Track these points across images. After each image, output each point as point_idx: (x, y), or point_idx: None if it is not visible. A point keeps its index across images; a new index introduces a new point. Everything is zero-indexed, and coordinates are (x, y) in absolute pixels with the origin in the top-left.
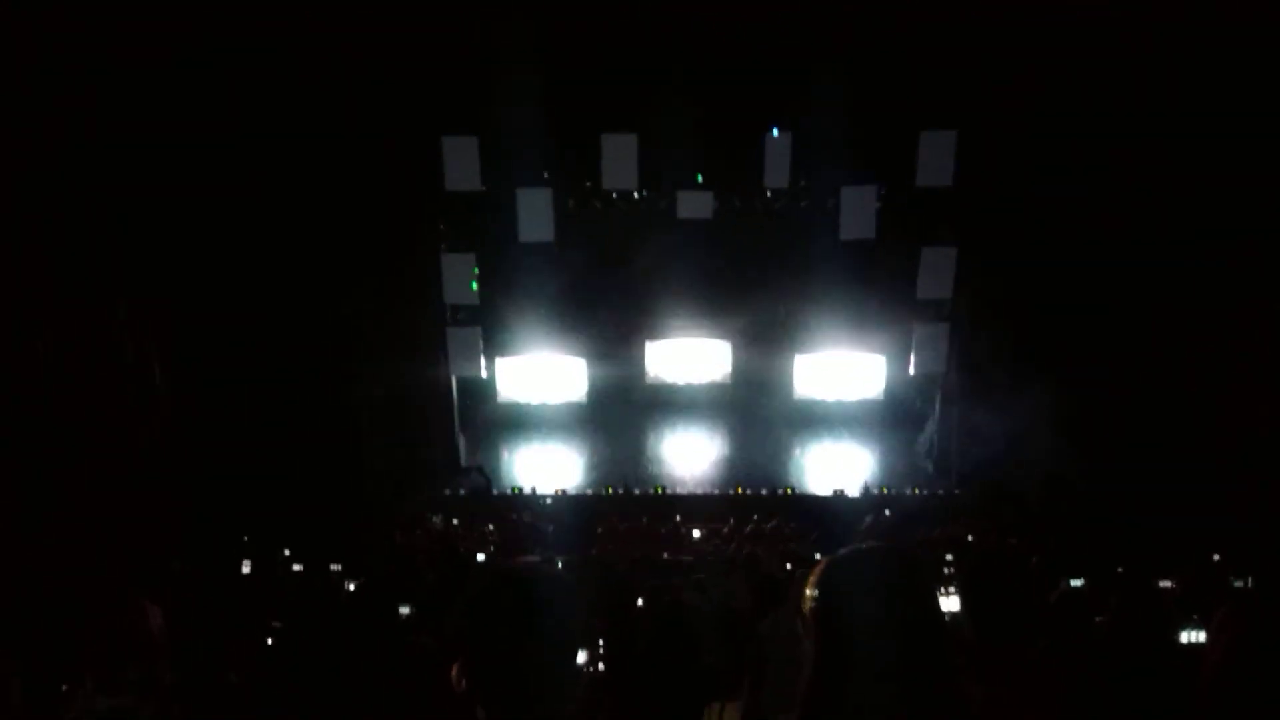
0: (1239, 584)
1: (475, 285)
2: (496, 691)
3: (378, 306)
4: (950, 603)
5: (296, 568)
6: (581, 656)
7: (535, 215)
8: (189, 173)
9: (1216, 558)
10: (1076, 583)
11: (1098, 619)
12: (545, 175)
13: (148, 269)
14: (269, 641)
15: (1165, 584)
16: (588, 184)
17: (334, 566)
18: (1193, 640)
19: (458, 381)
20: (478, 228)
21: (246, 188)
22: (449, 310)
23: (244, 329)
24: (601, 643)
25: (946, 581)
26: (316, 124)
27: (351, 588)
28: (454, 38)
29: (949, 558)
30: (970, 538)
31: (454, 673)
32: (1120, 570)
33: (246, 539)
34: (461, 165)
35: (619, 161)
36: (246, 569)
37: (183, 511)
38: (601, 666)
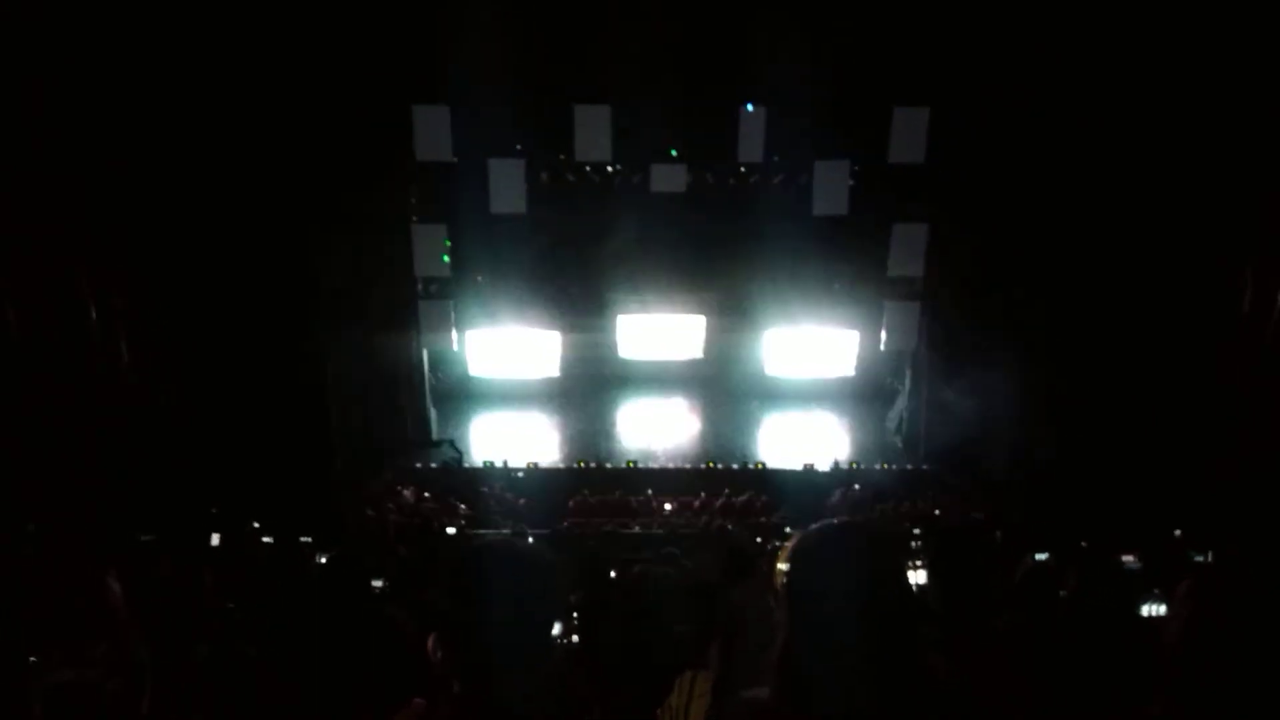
0: (1200, 559)
1: (447, 257)
2: (471, 663)
3: (348, 278)
4: (917, 576)
5: (267, 540)
6: (555, 628)
7: (507, 187)
8: (155, 142)
9: (1178, 533)
10: (1041, 557)
11: (1061, 593)
12: (518, 147)
13: (113, 241)
14: (239, 614)
15: (1127, 559)
16: (561, 156)
17: (304, 539)
18: (1154, 613)
19: (429, 354)
20: (449, 199)
21: (214, 157)
22: (420, 282)
23: (212, 300)
24: (574, 615)
25: (914, 556)
26: (285, 92)
27: (323, 560)
28: (426, 5)
29: (916, 532)
30: (937, 512)
31: (429, 645)
32: (1083, 545)
33: (215, 511)
34: (433, 135)
35: (592, 134)
36: (215, 541)
37: (151, 484)
38: (575, 638)
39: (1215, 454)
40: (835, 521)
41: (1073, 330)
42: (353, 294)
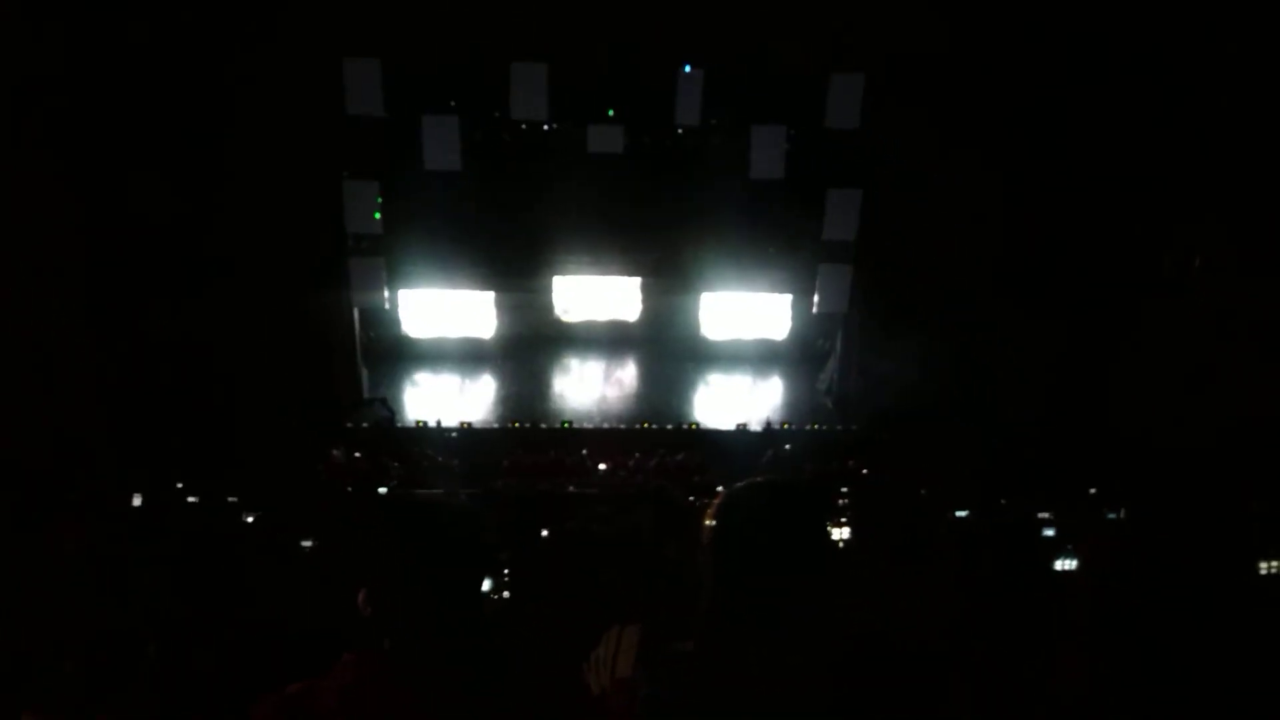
0: (1112, 515)
1: (378, 214)
2: (401, 619)
3: (276, 233)
4: (843, 533)
5: (192, 500)
6: (485, 585)
7: (442, 143)
8: (78, 89)
9: (1093, 491)
10: (962, 514)
11: (980, 549)
12: (452, 104)
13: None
14: (166, 576)
15: (1043, 515)
16: (496, 114)
17: (231, 499)
18: (1066, 568)
19: (360, 313)
20: (381, 155)
21: (139, 111)
22: (351, 239)
23: (136, 256)
24: (506, 572)
25: (840, 513)
26: (212, 40)
27: (250, 520)
28: None
29: (844, 490)
30: (864, 471)
31: (359, 601)
32: (1002, 503)
33: (139, 471)
34: (364, 89)
35: (529, 91)
36: (138, 501)
37: (74, 445)
38: (506, 595)
39: (1132, 413)
40: (759, 479)
41: (1000, 293)
42: (282, 251)
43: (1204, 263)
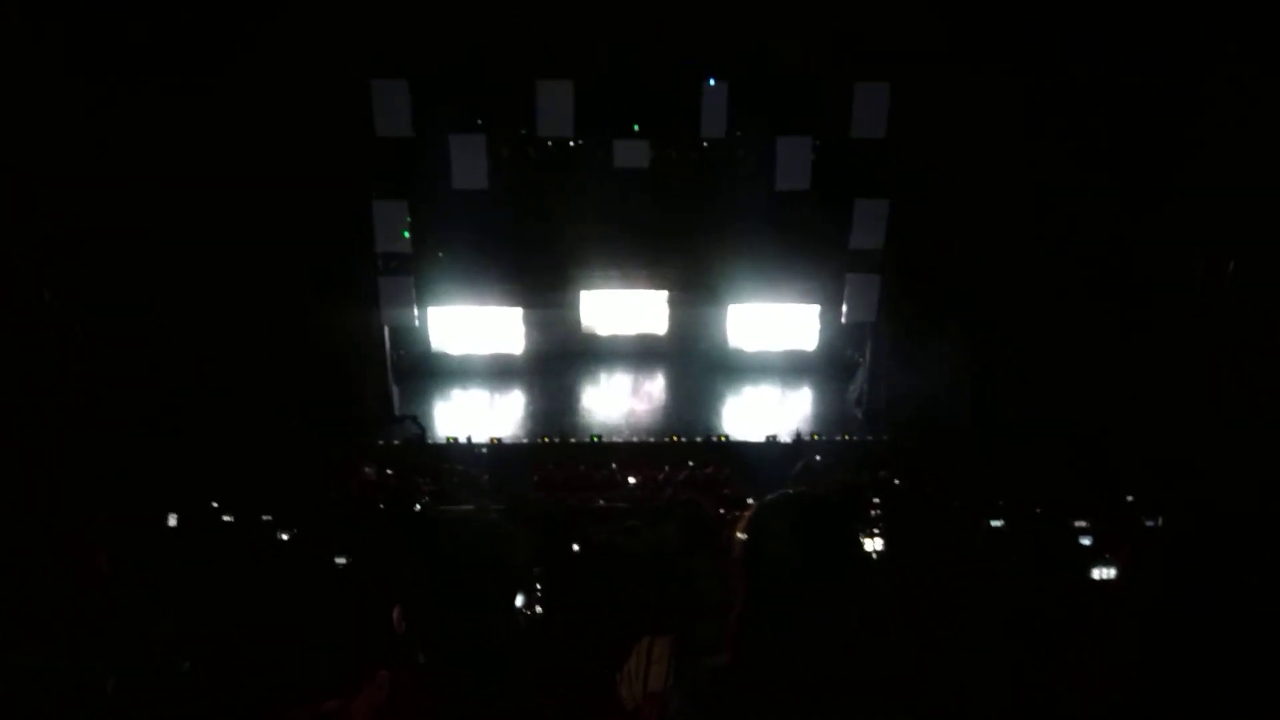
0: (1150, 523)
1: (407, 233)
2: (435, 635)
3: (308, 254)
4: (876, 544)
5: (228, 519)
6: (518, 600)
7: (469, 162)
8: (111, 116)
9: (1130, 499)
10: (996, 524)
11: (1016, 558)
12: (479, 122)
13: (68, 219)
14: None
15: (1080, 524)
16: (523, 131)
17: (266, 518)
18: (1104, 577)
19: (390, 330)
20: (409, 174)
21: (171, 133)
22: (380, 258)
23: (169, 279)
24: (538, 586)
25: (873, 524)
26: (243, 65)
27: (284, 538)
28: None
29: (875, 501)
30: (896, 482)
31: (394, 618)
32: (1038, 512)
33: (175, 491)
34: (392, 110)
35: (555, 108)
36: (173, 521)
37: (108, 464)
38: (538, 609)
39: (1168, 422)
40: (791, 491)
41: (1031, 301)
42: (313, 271)
43: (1237, 269)
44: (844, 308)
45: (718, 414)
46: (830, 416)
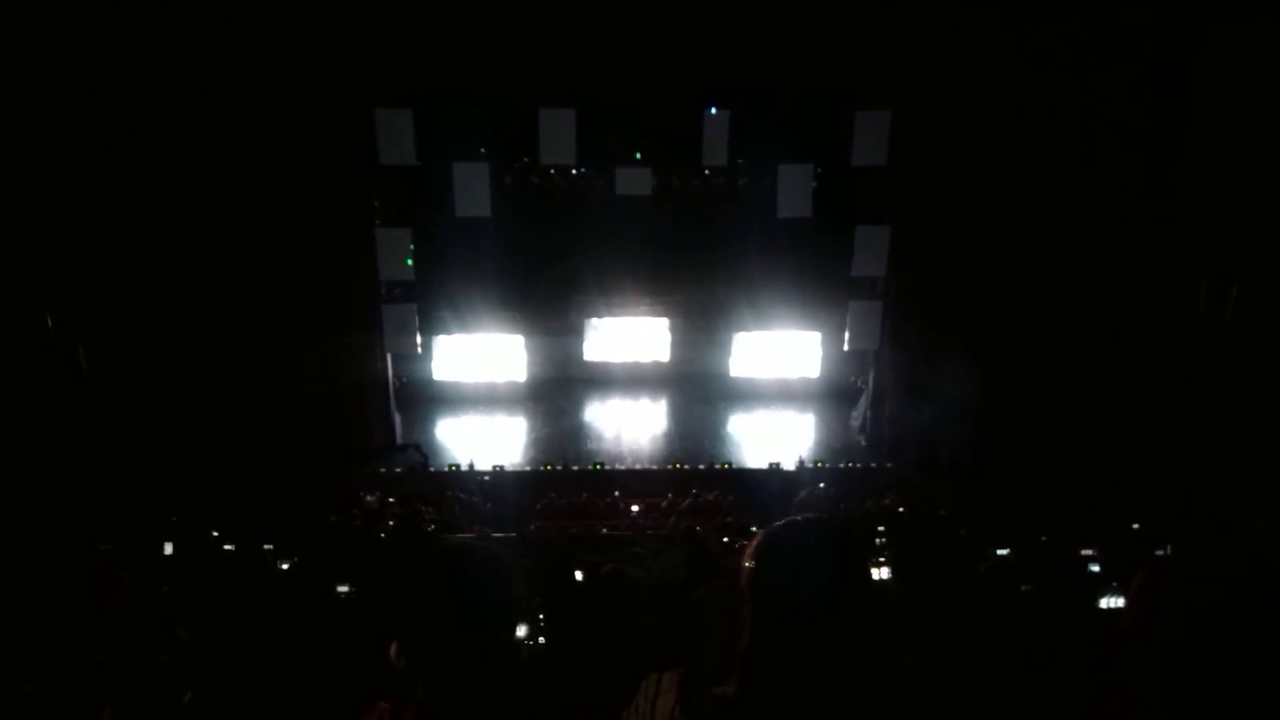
0: (1159, 552)
1: (410, 261)
2: (436, 667)
3: (311, 282)
4: (882, 573)
5: (227, 548)
6: (521, 630)
7: (472, 190)
8: (114, 145)
9: (1136, 527)
10: (1003, 552)
11: (1023, 587)
12: (482, 150)
13: (70, 245)
14: (201, 621)
15: (1087, 553)
16: (525, 159)
17: (266, 546)
18: (1112, 606)
19: (393, 358)
20: (413, 202)
21: (175, 161)
22: (384, 286)
23: (173, 305)
24: (541, 617)
25: (879, 552)
26: (248, 95)
27: (285, 567)
28: (389, 8)
29: (881, 529)
30: (901, 510)
31: (393, 650)
32: (1044, 540)
33: (175, 519)
34: (396, 139)
35: (557, 137)
36: (169, 549)
37: (108, 492)
38: (541, 640)
39: (1173, 449)
40: (798, 518)
41: (1033, 328)
42: (317, 299)
43: (1240, 294)
44: (846, 335)
45: (721, 441)
46: (833, 444)
